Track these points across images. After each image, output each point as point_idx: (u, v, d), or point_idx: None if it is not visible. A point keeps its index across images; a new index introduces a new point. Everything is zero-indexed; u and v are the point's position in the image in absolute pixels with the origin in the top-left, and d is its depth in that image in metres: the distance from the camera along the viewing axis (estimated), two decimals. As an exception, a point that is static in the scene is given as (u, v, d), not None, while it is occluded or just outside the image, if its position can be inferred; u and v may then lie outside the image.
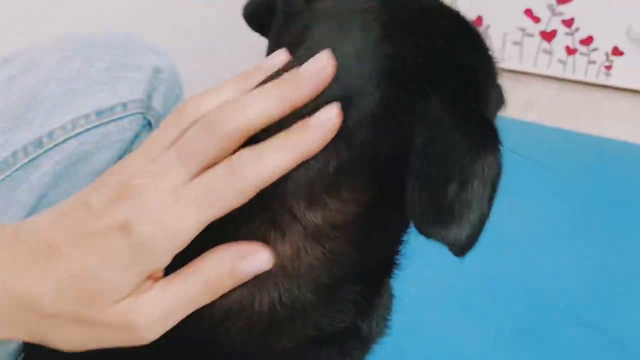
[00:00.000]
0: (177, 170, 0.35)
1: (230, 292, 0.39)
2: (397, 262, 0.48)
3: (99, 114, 0.67)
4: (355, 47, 0.41)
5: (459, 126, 0.37)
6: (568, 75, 1.77)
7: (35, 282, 0.35)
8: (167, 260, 0.35)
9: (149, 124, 0.73)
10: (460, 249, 0.36)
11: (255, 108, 0.36)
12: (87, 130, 0.66)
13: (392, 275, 0.49)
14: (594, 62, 1.73)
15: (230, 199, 0.35)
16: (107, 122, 0.68)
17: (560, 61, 1.77)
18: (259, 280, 0.40)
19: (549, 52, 1.77)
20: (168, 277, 0.37)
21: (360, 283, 0.45)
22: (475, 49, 0.45)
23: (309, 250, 0.40)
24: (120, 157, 0.72)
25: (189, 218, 0.34)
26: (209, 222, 0.35)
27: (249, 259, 0.38)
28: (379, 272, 0.48)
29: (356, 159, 0.39)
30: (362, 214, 0.41)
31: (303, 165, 0.37)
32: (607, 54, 1.70)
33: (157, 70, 0.73)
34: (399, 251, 0.47)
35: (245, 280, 0.38)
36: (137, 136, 0.72)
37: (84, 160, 0.67)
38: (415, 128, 0.37)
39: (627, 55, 1.67)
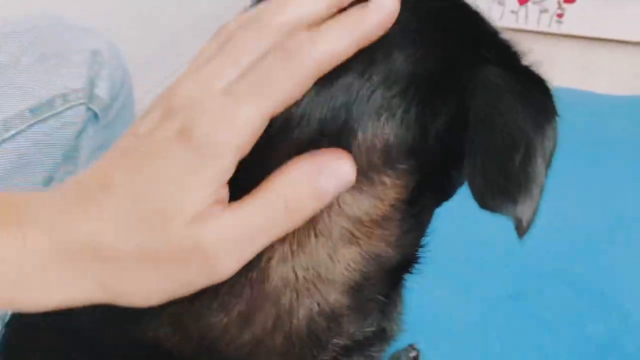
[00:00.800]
0: (231, 67, 0.32)
1: (264, 305, 0.36)
2: (419, 256, 0.45)
3: (33, 110, 0.60)
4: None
5: (519, 95, 0.35)
6: (521, 25, 1.77)
7: (92, 221, 0.31)
8: (233, 160, 0.31)
9: (95, 115, 0.67)
10: (526, 226, 0.34)
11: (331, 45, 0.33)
12: (22, 131, 0.59)
13: (413, 270, 0.46)
14: (546, 11, 1.73)
15: (289, 86, 0.32)
16: (45, 119, 0.61)
17: (513, 12, 1.76)
18: (294, 288, 0.37)
19: (502, 4, 1.76)
20: (238, 202, 0.32)
21: (383, 282, 0.43)
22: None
23: (345, 252, 0.38)
24: (68, 157, 0.65)
25: (249, 108, 0.31)
26: (270, 115, 0.32)
27: (329, 172, 0.34)
28: (403, 268, 0.45)
29: (406, 134, 0.36)
30: (402, 204, 0.38)
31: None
32: (559, 2, 1.70)
33: (95, 53, 0.66)
34: (422, 244, 0.44)
35: (331, 199, 0.34)
36: (82, 131, 0.66)
37: (23, 169, 0.60)
38: (475, 95, 0.35)
39: (578, 3, 1.68)
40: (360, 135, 0.36)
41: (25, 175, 0.61)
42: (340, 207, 0.37)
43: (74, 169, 0.66)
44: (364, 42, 0.34)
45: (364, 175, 0.36)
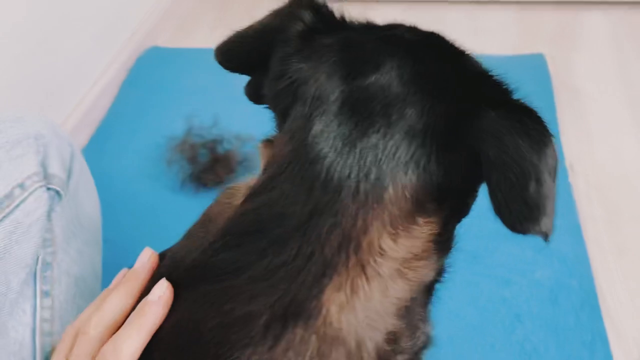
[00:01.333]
0: None
1: (333, 349, 0.42)
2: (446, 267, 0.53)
3: None
4: (396, 93, 0.45)
5: (518, 130, 0.43)
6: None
7: None
8: None
9: (57, 193, 0.70)
10: (549, 234, 0.43)
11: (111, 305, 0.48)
12: None
13: (443, 279, 0.54)
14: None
15: None
16: (11, 211, 0.63)
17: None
18: (356, 328, 0.43)
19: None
20: None
21: (424, 296, 0.50)
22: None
23: (395, 286, 0.45)
24: (45, 239, 0.68)
25: None
26: None
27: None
28: (437, 281, 0.53)
29: (430, 180, 0.44)
30: (436, 236, 0.47)
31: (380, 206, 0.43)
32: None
33: (37, 137, 0.69)
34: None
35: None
36: (50, 211, 0.69)
37: (4, 260, 0.63)
38: (484, 140, 0.43)
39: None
40: (391, 189, 0.43)
41: (11, 263, 0.63)
42: (382, 251, 0.43)
43: (52, 250, 0.69)
44: (153, 331, 0.45)
45: (400, 221, 0.44)
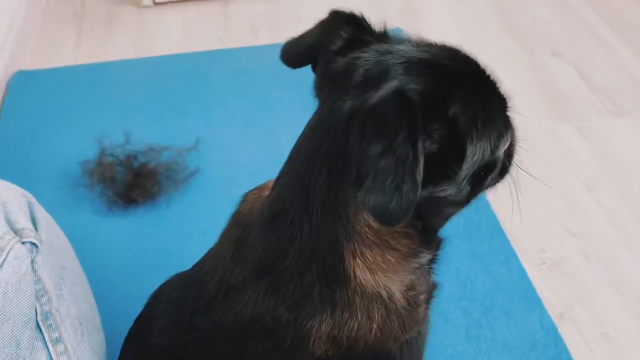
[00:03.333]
0: None
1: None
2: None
3: None
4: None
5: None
6: None
7: None
8: None
9: (32, 244, 0.70)
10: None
11: None
12: None
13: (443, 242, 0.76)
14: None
15: None
16: None
17: None
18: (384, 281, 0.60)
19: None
20: None
21: (430, 259, 0.72)
22: None
23: (402, 274, 0.63)
24: (37, 290, 0.69)
25: None
26: None
27: None
28: (437, 248, 0.74)
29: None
30: (416, 239, 0.63)
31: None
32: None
33: None
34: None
35: None
36: (33, 262, 0.70)
37: (5, 322, 0.65)
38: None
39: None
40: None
41: (12, 323, 0.65)
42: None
43: (47, 298, 0.71)
44: None
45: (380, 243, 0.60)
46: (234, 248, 0.64)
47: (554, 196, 1.40)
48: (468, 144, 0.54)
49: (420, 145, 0.48)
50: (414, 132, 0.48)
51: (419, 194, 0.48)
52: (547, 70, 1.75)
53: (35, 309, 0.69)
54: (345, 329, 0.59)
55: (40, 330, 0.69)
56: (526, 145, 1.48)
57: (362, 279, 0.59)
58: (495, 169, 0.62)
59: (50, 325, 0.70)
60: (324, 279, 0.59)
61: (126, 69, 1.75)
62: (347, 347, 0.60)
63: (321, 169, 0.55)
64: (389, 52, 0.58)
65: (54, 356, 0.69)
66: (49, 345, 0.70)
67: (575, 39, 1.86)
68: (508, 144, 0.62)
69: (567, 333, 1.15)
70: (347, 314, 0.59)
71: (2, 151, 1.48)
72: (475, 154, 0.55)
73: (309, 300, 0.59)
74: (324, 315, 0.59)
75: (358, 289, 0.59)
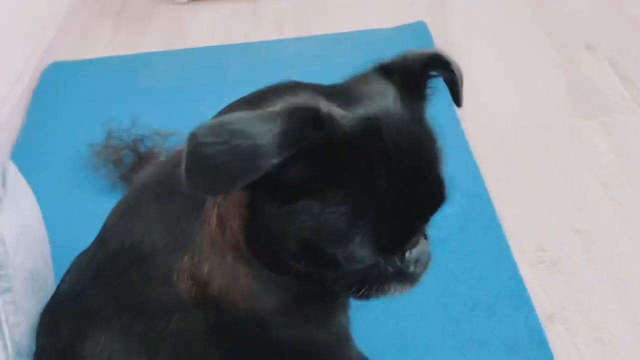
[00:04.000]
0: None
1: None
2: None
3: None
4: None
5: None
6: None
7: None
8: None
9: None
10: None
11: None
12: None
13: None
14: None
15: None
16: None
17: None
18: None
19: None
20: None
21: None
22: None
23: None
24: None
25: None
26: None
27: None
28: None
29: None
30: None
31: None
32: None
33: None
34: None
35: None
36: None
37: None
38: None
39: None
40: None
41: None
42: None
43: (3, 250, 0.75)
44: None
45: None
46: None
47: (563, 192, 1.31)
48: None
49: None
50: None
51: None
52: (578, 64, 1.65)
53: None
54: (203, 271, 0.60)
55: None
56: (545, 141, 1.41)
57: (214, 225, 0.58)
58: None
59: (2, 275, 0.74)
60: (192, 216, 0.60)
61: (153, 61, 1.81)
62: (215, 302, 0.60)
63: None
64: None
65: (1, 304, 0.73)
66: None
67: (612, 31, 1.75)
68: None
69: (556, 335, 1.07)
70: (205, 256, 0.60)
71: (27, 135, 1.58)
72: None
73: (178, 233, 0.59)
74: (187, 251, 0.60)
75: (212, 236, 0.59)
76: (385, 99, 0.54)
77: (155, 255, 0.62)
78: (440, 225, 1.21)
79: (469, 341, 1.06)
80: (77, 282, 0.69)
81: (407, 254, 0.59)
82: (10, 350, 0.72)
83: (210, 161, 0.43)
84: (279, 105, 0.48)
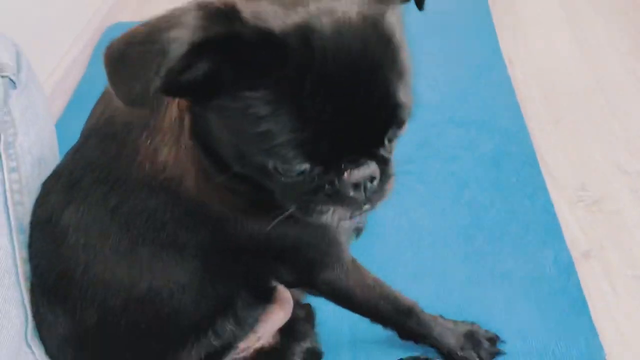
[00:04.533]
0: None
1: None
2: None
3: None
4: None
5: None
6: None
7: None
8: None
9: (11, 80, 0.77)
10: None
11: None
12: None
13: None
14: None
15: None
16: None
17: None
18: None
19: None
20: None
21: None
22: None
23: None
24: (5, 122, 0.76)
25: None
26: None
27: None
28: None
29: None
30: None
31: None
32: None
33: None
34: None
35: None
36: (6, 96, 0.76)
37: None
38: None
39: None
40: None
41: None
42: None
43: (13, 131, 0.77)
44: None
45: None
46: None
47: (613, 134, 1.22)
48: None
49: None
50: None
51: None
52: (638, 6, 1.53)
53: (0, 138, 0.75)
54: (161, 155, 0.61)
55: (0, 156, 0.75)
56: (598, 83, 1.32)
57: (175, 116, 0.60)
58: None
59: (10, 154, 0.76)
60: (161, 101, 0.61)
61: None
62: (172, 189, 0.61)
63: None
64: None
65: (7, 181, 0.75)
66: (5, 170, 0.75)
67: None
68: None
69: (589, 271, 0.99)
70: (164, 141, 0.61)
71: (83, 91, 1.65)
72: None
73: (148, 114, 0.60)
74: (151, 133, 0.61)
75: (171, 125, 0.60)
76: (335, 1, 0.49)
77: (126, 131, 0.63)
78: (473, 162, 1.18)
79: (491, 274, 1.00)
80: (69, 158, 0.72)
81: (345, 174, 0.53)
82: (13, 226, 0.75)
83: (124, 66, 0.45)
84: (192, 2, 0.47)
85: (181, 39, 0.43)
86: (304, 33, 0.47)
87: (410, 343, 0.88)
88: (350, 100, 0.49)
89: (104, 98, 0.70)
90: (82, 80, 1.68)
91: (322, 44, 0.48)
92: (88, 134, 0.69)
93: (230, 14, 0.47)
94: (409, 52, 0.52)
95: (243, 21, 0.47)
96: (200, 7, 0.46)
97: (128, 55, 0.44)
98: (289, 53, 0.47)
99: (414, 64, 0.52)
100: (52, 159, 0.84)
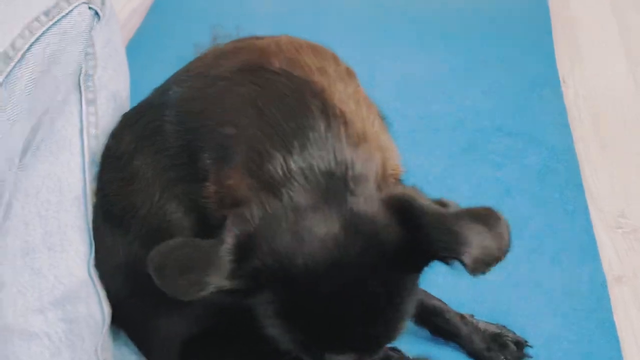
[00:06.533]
0: None
1: None
2: None
3: (46, 13, 0.70)
4: None
5: None
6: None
7: None
8: None
9: (96, 13, 0.76)
10: None
11: None
12: (45, 32, 0.70)
13: None
14: None
15: None
16: (58, 20, 0.71)
17: None
18: None
19: None
20: None
21: None
22: None
23: None
24: (87, 53, 0.77)
25: None
26: None
27: None
28: None
29: None
30: None
31: None
32: None
33: None
34: None
35: None
36: (91, 28, 0.76)
37: (56, 64, 0.71)
38: None
39: None
40: None
41: (61, 67, 0.72)
42: None
43: (93, 63, 0.78)
44: None
45: None
46: None
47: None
48: None
49: None
50: None
51: None
52: None
53: (81, 69, 0.76)
54: None
55: (80, 88, 0.77)
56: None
57: None
58: None
59: (89, 86, 0.77)
60: None
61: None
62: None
63: None
64: None
65: (84, 113, 0.77)
66: (84, 102, 0.77)
67: None
68: None
69: (619, 296, 1.01)
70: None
71: (141, 34, 1.68)
72: None
73: None
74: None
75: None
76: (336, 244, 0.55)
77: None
78: (519, 173, 1.21)
79: (525, 281, 1.02)
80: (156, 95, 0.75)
81: None
82: (87, 157, 0.77)
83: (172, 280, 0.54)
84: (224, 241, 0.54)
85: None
86: (296, 287, 0.56)
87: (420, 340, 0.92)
88: (342, 333, 0.57)
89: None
90: (137, 31, 1.70)
91: (311, 295, 0.56)
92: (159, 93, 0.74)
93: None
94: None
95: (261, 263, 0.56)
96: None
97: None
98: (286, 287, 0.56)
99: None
100: (125, 95, 0.85)
